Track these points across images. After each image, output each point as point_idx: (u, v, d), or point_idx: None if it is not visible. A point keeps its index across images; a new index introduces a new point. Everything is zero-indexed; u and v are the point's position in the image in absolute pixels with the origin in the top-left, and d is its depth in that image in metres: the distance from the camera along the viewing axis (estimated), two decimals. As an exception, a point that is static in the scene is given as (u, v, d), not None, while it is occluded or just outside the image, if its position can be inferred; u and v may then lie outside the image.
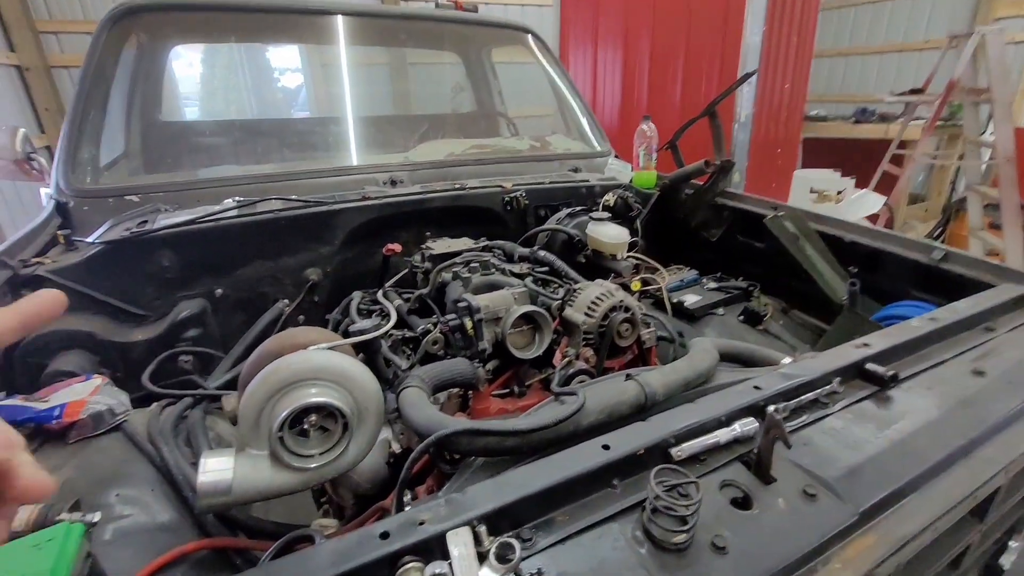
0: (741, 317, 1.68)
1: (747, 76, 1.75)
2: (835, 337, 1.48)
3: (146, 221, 1.42)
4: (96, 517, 0.73)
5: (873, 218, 4.24)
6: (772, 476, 0.65)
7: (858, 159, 5.45)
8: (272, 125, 2.52)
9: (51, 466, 0.97)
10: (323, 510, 1.30)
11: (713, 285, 1.85)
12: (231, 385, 1.32)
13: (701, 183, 1.97)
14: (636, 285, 1.55)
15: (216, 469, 0.83)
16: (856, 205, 4.15)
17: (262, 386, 0.86)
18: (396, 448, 1.20)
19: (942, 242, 5.78)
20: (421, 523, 0.54)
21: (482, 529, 0.54)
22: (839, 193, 4.11)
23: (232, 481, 0.84)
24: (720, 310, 1.72)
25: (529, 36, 2.61)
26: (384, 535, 0.53)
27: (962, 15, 5.83)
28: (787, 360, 1.11)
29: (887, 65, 6.64)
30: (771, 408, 0.69)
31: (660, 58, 4.69)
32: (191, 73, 2.77)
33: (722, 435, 0.69)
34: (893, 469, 0.67)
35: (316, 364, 0.89)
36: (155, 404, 1.23)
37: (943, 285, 1.29)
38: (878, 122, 5.70)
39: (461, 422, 0.75)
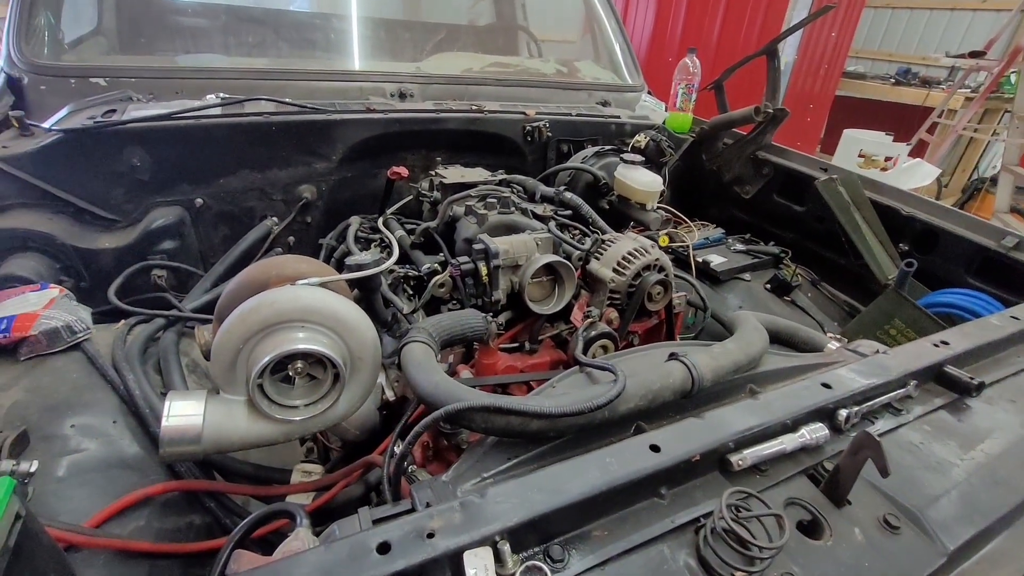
0: (768, 285, 1.56)
1: (825, 10, 1.51)
2: (870, 318, 1.36)
3: (114, 110, 1.22)
4: (33, 466, 0.62)
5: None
6: (847, 499, 0.55)
7: (889, 123, 5.14)
8: (270, 14, 2.21)
9: (-4, 384, 0.85)
10: (306, 447, 1.22)
11: (740, 247, 1.70)
12: (209, 309, 1.18)
13: (744, 132, 1.77)
14: (664, 240, 1.41)
15: (184, 414, 0.72)
16: (907, 174, 3.80)
17: (240, 325, 0.73)
18: (390, 396, 1.09)
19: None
20: (430, 535, 0.43)
21: (505, 547, 0.43)
22: (887, 160, 3.80)
23: (202, 429, 0.72)
24: (747, 275, 1.59)
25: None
26: (383, 547, 0.42)
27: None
28: (833, 345, 0.99)
29: (935, 23, 6.11)
30: (870, 428, 0.58)
31: (703, -15, 4.24)
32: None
33: (788, 442, 0.58)
34: (983, 501, 0.57)
35: (305, 304, 0.75)
36: (122, 323, 1.10)
37: (1008, 276, 1.17)
38: (919, 86, 5.33)
39: (476, 394, 0.63)
